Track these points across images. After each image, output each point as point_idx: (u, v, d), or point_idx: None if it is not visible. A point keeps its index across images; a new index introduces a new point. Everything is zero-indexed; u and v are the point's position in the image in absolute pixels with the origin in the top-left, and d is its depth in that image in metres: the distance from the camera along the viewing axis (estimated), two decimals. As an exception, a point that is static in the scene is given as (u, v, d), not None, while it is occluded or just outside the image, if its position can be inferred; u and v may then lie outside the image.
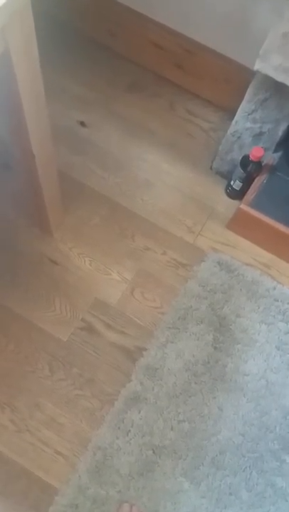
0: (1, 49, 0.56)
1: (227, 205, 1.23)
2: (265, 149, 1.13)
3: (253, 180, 1.15)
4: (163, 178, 1.24)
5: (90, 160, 1.23)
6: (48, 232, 1.12)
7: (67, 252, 1.12)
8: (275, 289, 1.13)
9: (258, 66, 0.93)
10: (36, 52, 0.62)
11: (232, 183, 1.20)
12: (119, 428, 0.95)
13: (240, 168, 1.13)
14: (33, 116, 0.71)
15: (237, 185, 1.18)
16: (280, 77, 0.92)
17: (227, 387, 1.01)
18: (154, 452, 0.94)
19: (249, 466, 0.96)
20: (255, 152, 1.08)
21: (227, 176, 1.25)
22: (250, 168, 1.12)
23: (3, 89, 0.66)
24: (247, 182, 1.16)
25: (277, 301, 1.11)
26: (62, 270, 1.10)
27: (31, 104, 0.68)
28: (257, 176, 1.14)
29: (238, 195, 1.21)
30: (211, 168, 1.27)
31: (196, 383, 1.00)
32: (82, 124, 1.28)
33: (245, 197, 1.14)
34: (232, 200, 1.24)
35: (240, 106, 1.10)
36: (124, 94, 1.34)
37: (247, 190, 1.16)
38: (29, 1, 0.54)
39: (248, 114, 1.10)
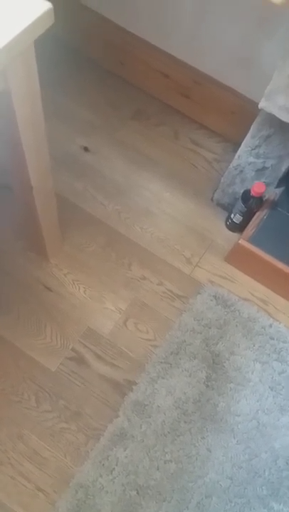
0: (1, 86, 0.56)
1: (226, 238, 1.22)
2: (268, 184, 1.12)
3: (254, 215, 1.14)
4: (163, 207, 1.24)
5: (91, 186, 1.23)
6: (44, 257, 1.11)
7: (62, 278, 1.11)
8: (271, 326, 1.10)
9: (262, 105, 0.92)
10: (38, 90, 0.61)
11: (232, 216, 1.19)
12: (103, 465, 0.92)
13: (241, 202, 1.13)
14: (32, 150, 0.70)
15: (237, 218, 1.17)
16: (285, 117, 0.91)
17: (217, 427, 0.98)
18: (138, 493, 0.91)
19: (236, 513, 0.92)
20: (257, 188, 1.07)
21: (228, 208, 1.25)
22: (251, 202, 1.11)
23: (2, 122, 0.65)
24: (247, 216, 1.15)
25: (273, 339, 1.09)
26: (55, 297, 1.09)
27: (30, 138, 0.68)
28: (258, 210, 1.13)
29: (237, 228, 1.20)
30: (212, 199, 1.27)
31: (185, 422, 0.98)
32: (86, 149, 1.29)
33: (244, 232, 1.13)
34: (232, 233, 1.23)
35: (244, 141, 1.10)
36: (129, 121, 1.34)
37: (247, 224, 1.15)
38: (32, 43, 0.54)
39: (252, 149, 1.10)
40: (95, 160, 1.27)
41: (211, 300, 1.12)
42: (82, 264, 1.13)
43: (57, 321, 1.06)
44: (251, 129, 1.07)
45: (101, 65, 1.37)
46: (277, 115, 0.92)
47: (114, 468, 0.92)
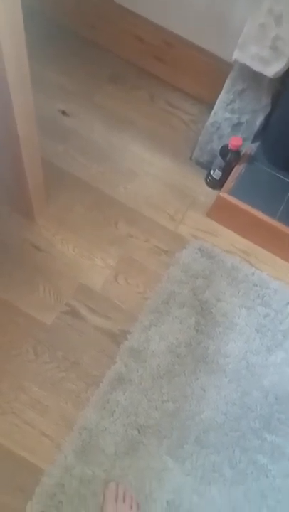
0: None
1: (207, 195, 1.26)
2: (244, 139, 1.17)
3: (232, 170, 1.19)
4: (145, 167, 1.27)
5: (72, 148, 1.25)
6: (31, 218, 1.13)
7: (51, 238, 1.12)
8: (253, 274, 1.16)
9: (236, 56, 0.96)
10: (21, 25, 0.63)
11: (212, 172, 1.23)
12: (104, 409, 0.96)
13: (219, 158, 1.17)
14: (18, 94, 0.72)
15: (217, 174, 1.22)
16: (257, 67, 0.96)
17: (209, 368, 1.04)
18: (139, 432, 0.95)
19: (232, 445, 0.98)
20: (234, 141, 1.12)
21: (206, 166, 1.29)
22: (229, 157, 1.16)
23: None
24: (226, 171, 1.19)
25: (256, 286, 1.15)
26: (45, 256, 1.10)
27: (17, 82, 0.69)
28: (236, 165, 1.18)
29: (217, 184, 1.25)
30: (191, 158, 1.31)
31: (179, 365, 1.02)
32: (64, 113, 1.29)
33: (224, 185, 1.17)
34: (212, 190, 1.27)
35: (219, 97, 1.14)
36: (105, 86, 1.36)
37: (226, 180, 1.20)
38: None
39: (227, 105, 1.14)
40: (74, 123, 1.28)
41: (196, 253, 1.16)
42: (69, 224, 1.15)
43: (49, 278, 1.08)
44: (226, 84, 1.11)
45: (73, 31, 1.38)
46: (250, 65, 0.96)
47: (115, 411, 0.96)
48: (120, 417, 0.96)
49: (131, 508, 0.89)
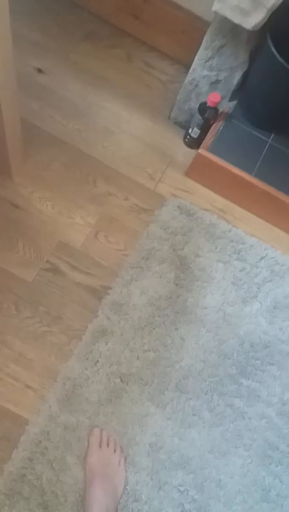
0: None
1: (185, 154, 1.27)
2: (222, 97, 1.17)
3: (210, 128, 1.20)
4: (122, 126, 1.26)
5: (48, 106, 1.22)
6: (8, 176, 1.11)
7: (29, 196, 1.12)
8: (230, 231, 1.19)
9: (216, 7, 0.96)
10: None
11: (190, 131, 1.24)
12: (87, 359, 0.98)
13: (198, 115, 1.18)
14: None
15: (195, 132, 1.22)
16: (237, 19, 0.96)
17: (188, 319, 1.07)
18: (121, 380, 0.98)
19: (210, 390, 1.03)
20: (213, 97, 1.12)
21: (184, 126, 1.29)
22: (207, 114, 1.16)
23: None
24: (204, 129, 1.20)
25: (233, 241, 1.18)
26: (24, 214, 1.10)
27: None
28: (214, 122, 1.19)
29: (195, 143, 1.26)
30: (169, 118, 1.31)
31: (159, 316, 1.05)
32: (40, 70, 1.26)
33: (203, 142, 1.18)
34: (190, 150, 1.28)
35: (198, 53, 1.14)
36: (80, 43, 1.33)
37: (203, 139, 1.21)
38: None
39: (205, 62, 1.14)
40: (50, 81, 1.26)
41: (175, 210, 1.18)
42: (47, 182, 1.14)
43: (28, 236, 1.07)
44: (204, 40, 1.11)
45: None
46: (229, 17, 0.96)
47: (97, 361, 0.98)
48: (103, 366, 0.98)
49: (114, 451, 0.93)
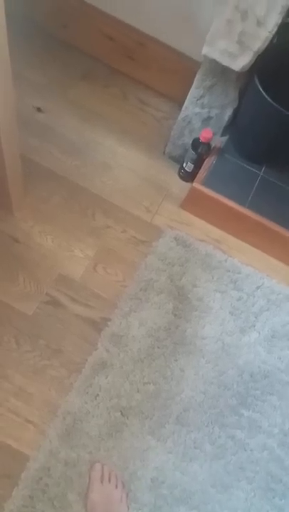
0: None
1: (180, 187, 1.31)
2: (214, 133, 1.22)
3: (203, 162, 1.25)
4: (119, 161, 1.30)
5: (47, 143, 1.27)
6: (8, 211, 1.14)
7: (29, 230, 1.14)
8: (226, 261, 1.22)
9: (205, 51, 1.02)
10: (3, 20, 0.65)
11: (184, 165, 1.28)
12: (87, 393, 0.98)
13: (191, 150, 1.22)
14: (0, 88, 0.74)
15: (189, 167, 1.27)
16: (225, 61, 1.01)
17: (187, 350, 1.08)
18: (122, 414, 0.98)
19: (211, 422, 1.03)
20: (205, 134, 1.17)
21: (179, 160, 1.34)
22: (200, 149, 1.21)
23: None
24: (198, 164, 1.25)
25: (229, 271, 1.20)
26: (24, 248, 1.12)
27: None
28: (207, 157, 1.24)
29: (189, 177, 1.30)
30: (164, 153, 1.36)
31: (158, 348, 1.06)
32: (39, 109, 1.32)
33: (197, 176, 1.23)
34: (184, 183, 1.32)
35: (190, 92, 1.19)
36: (78, 83, 1.39)
37: (197, 173, 1.25)
38: None
39: (197, 100, 1.20)
40: (49, 119, 1.31)
41: (172, 242, 1.21)
42: (47, 216, 1.17)
43: (28, 269, 1.09)
44: (195, 79, 1.17)
45: (46, 30, 1.40)
46: (218, 60, 1.02)
47: (98, 394, 0.98)
48: (103, 400, 0.98)
49: (116, 487, 0.92)
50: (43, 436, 0.93)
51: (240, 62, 0.99)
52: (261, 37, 0.93)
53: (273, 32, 0.93)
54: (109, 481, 0.92)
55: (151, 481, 0.94)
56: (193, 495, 0.95)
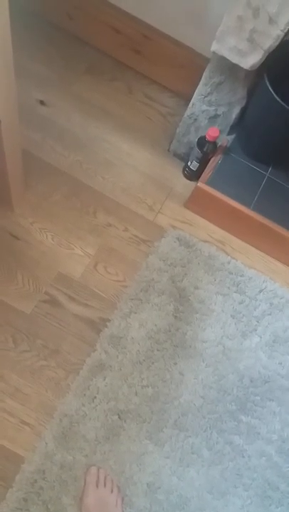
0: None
1: (184, 186, 1.29)
2: (220, 132, 1.19)
3: (209, 161, 1.22)
4: (123, 158, 1.27)
5: (50, 138, 1.24)
6: (8, 207, 1.11)
7: (29, 227, 1.12)
8: (229, 263, 1.19)
9: (214, 48, 0.99)
10: (7, 12, 0.62)
11: (189, 163, 1.25)
12: (84, 395, 0.96)
13: (197, 149, 1.19)
14: (1, 80, 0.71)
15: (194, 165, 1.24)
16: (235, 59, 0.98)
17: (187, 353, 1.06)
18: (119, 417, 0.97)
19: (209, 427, 1.01)
20: (211, 132, 1.14)
21: (183, 158, 1.31)
22: (206, 148, 1.18)
23: None
24: (203, 162, 1.22)
25: (232, 273, 1.18)
26: (23, 245, 1.10)
27: (0, 67, 0.69)
28: (212, 156, 1.21)
29: (194, 175, 1.27)
30: (168, 150, 1.33)
31: (158, 350, 1.04)
32: (42, 102, 1.29)
33: (202, 176, 1.20)
34: (189, 181, 1.30)
35: (197, 89, 1.16)
36: (82, 76, 1.36)
37: (202, 172, 1.22)
38: None
39: (204, 97, 1.16)
40: (52, 113, 1.28)
41: (175, 242, 1.19)
42: (48, 212, 1.15)
43: (27, 267, 1.07)
44: (203, 76, 1.13)
45: (50, 21, 1.37)
46: (227, 57, 0.99)
47: (95, 397, 0.97)
48: (101, 402, 0.97)
49: (112, 491, 0.90)
50: (38, 438, 0.92)
51: (250, 60, 0.96)
52: (273, 35, 0.90)
53: (286, 30, 0.90)
54: (105, 485, 0.90)
55: (147, 486, 0.93)
56: (190, 501, 0.94)
